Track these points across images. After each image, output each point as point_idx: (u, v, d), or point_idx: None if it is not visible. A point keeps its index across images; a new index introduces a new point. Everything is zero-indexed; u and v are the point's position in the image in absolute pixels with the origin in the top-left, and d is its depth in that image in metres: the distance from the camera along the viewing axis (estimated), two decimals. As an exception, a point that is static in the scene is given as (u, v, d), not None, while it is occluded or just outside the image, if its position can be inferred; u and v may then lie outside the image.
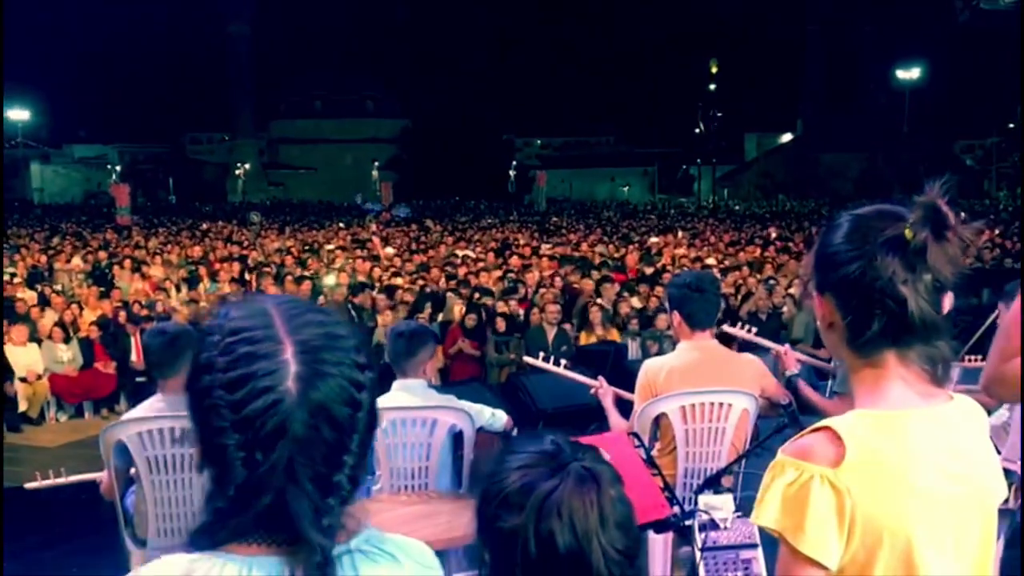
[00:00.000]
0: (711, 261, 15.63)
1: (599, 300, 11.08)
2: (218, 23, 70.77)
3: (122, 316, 11.47)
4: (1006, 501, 4.65)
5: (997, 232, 21.04)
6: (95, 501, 4.21)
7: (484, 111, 66.21)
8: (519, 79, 69.13)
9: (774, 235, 22.51)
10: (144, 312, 11.71)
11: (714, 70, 54.44)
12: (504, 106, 67.48)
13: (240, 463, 1.03)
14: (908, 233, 1.38)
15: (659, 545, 3.95)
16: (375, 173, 66.72)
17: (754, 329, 4.92)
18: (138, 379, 11.18)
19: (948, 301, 1.43)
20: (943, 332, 1.44)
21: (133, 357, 11.11)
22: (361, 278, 13.83)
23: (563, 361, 4.76)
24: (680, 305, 4.05)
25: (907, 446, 1.39)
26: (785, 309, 11.89)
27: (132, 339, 11.28)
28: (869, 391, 1.45)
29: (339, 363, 1.08)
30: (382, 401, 4.23)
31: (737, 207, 48.68)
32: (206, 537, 1.08)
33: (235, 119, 74.23)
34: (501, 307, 10.58)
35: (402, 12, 72.53)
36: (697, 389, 3.96)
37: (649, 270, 14.32)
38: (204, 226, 27.98)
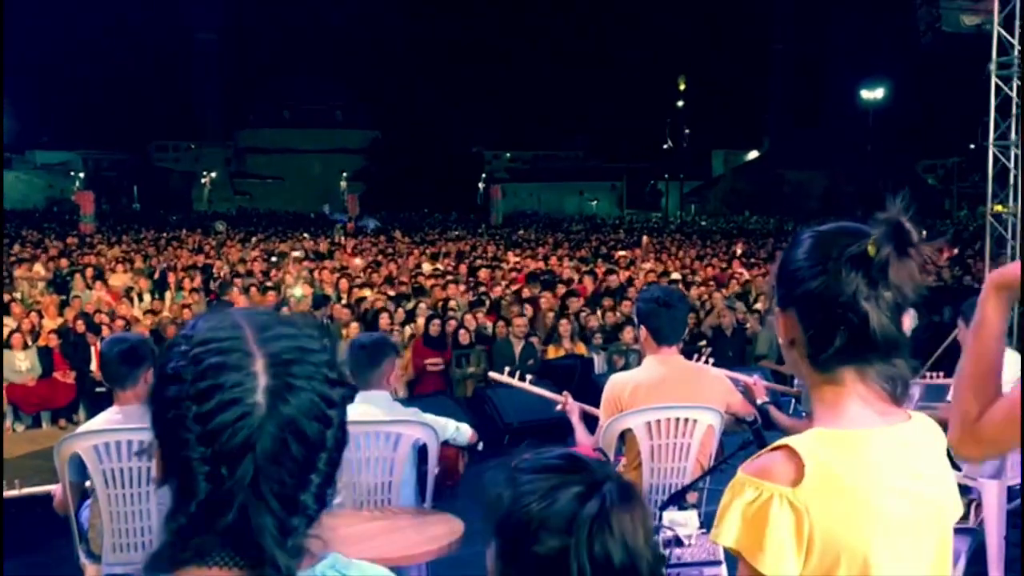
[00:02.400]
0: (676, 276, 15.71)
1: (569, 313, 11.08)
2: (185, 31, 70.33)
3: (80, 325, 11.30)
4: (965, 518, 4.71)
5: (957, 251, 21.39)
6: (50, 514, 4.12)
7: (454, 124, 66.28)
8: (489, 92, 69.31)
9: (740, 251, 22.69)
10: (105, 321, 11.54)
11: (682, 87, 54.97)
12: (474, 119, 67.59)
13: (203, 477, 1.00)
14: (871, 249, 1.39)
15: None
16: (343, 184, 66.46)
17: (711, 361, 4.89)
18: (98, 389, 11.01)
19: (908, 320, 1.44)
20: (902, 349, 1.45)
21: (93, 367, 10.95)
22: (328, 289, 13.73)
23: (528, 376, 4.74)
24: (647, 320, 4.04)
25: (865, 465, 1.40)
26: (749, 325, 11.98)
27: (92, 349, 11.11)
28: (828, 409, 1.45)
29: (310, 377, 1.06)
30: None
31: (704, 222, 49.09)
32: (164, 560, 1.04)
33: (202, 127, 73.69)
34: (468, 320, 10.55)
35: (372, 23, 72.48)
36: (663, 405, 3.96)
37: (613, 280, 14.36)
38: (168, 235, 27.67)
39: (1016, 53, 10.70)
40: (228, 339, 1.05)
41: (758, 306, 12.49)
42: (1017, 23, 10.66)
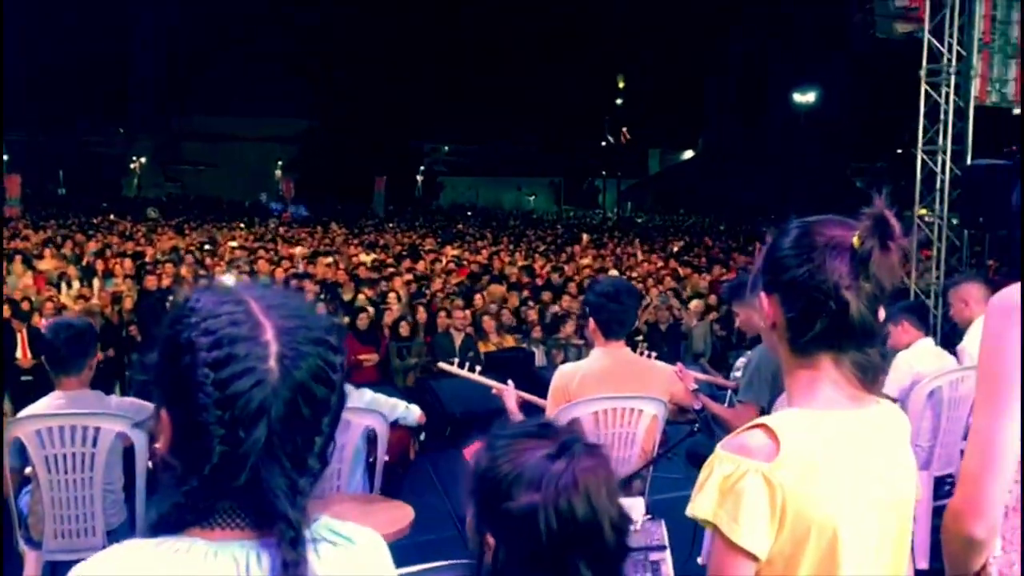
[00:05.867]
0: (614, 272, 15.86)
1: (490, 309, 11.08)
2: (119, 14, 68.45)
3: (7, 311, 10.96)
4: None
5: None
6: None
7: (391, 115, 65.70)
8: (428, 84, 68.93)
9: (676, 248, 23.00)
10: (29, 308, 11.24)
11: (621, 85, 55.42)
12: (412, 111, 67.10)
13: (219, 440, 1.05)
14: (856, 241, 1.47)
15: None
16: (278, 172, 65.44)
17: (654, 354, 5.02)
18: (23, 377, 10.70)
19: (881, 311, 1.52)
20: (877, 339, 1.52)
21: (19, 355, 10.64)
22: (263, 279, 13.54)
23: (478, 367, 4.79)
24: (596, 312, 4.12)
25: (837, 445, 1.47)
26: (684, 321, 12.19)
27: (18, 336, 10.79)
28: (803, 391, 1.53)
29: (316, 342, 1.12)
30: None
31: (640, 220, 49.62)
32: (171, 522, 1.09)
33: (133, 112, 71.78)
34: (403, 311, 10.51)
35: (310, 12, 71.48)
36: (609, 395, 4.04)
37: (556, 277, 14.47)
38: (97, 220, 26.95)
39: (945, 61, 11.06)
40: (236, 311, 1.11)
41: (694, 304, 12.70)
42: (946, 32, 11.02)
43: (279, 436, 1.07)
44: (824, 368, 1.52)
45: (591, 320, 4.18)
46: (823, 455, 1.45)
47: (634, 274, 15.49)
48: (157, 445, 1.14)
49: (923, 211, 11.66)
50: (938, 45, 11.10)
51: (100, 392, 3.78)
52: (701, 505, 1.45)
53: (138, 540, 1.10)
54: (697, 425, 3.58)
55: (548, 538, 1.39)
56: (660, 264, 17.65)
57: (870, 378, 1.53)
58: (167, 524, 1.09)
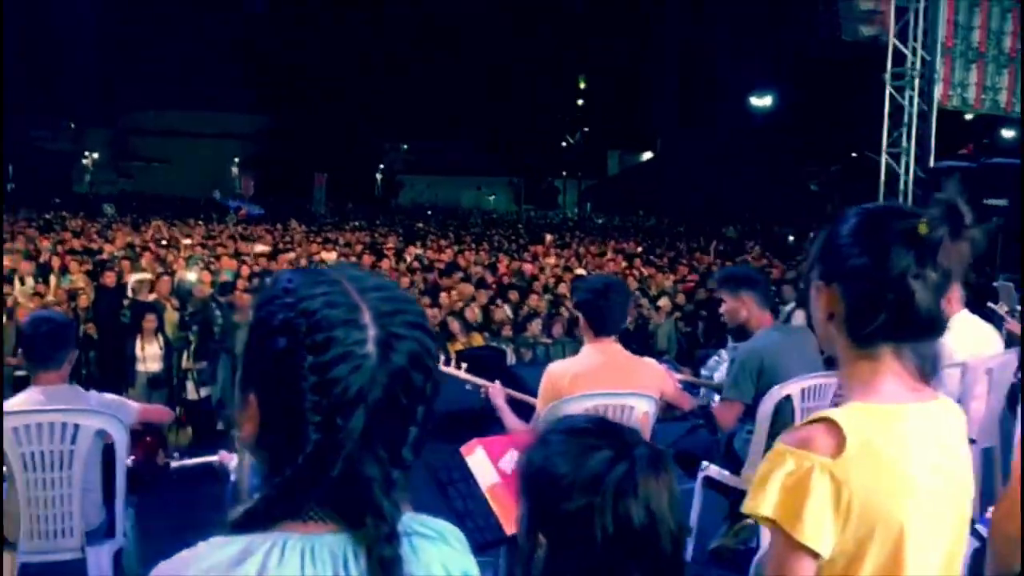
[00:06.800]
0: (580, 271, 15.88)
1: (455, 309, 11.01)
2: (70, 3, 67.03)
3: (-42, 308, 10.66)
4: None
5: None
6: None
7: (349, 111, 65.27)
8: (387, 83, 68.56)
9: (640, 249, 23.11)
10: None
11: (582, 85, 55.62)
12: (370, 108, 66.72)
13: (314, 428, 1.00)
14: (923, 228, 1.42)
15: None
16: (234, 169, 64.61)
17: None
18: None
19: (945, 301, 1.48)
20: (940, 330, 1.48)
21: (-26, 352, 10.36)
22: (225, 277, 13.33)
23: (463, 364, 4.73)
24: (587, 310, 4.10)
25: (901, 439, 1.43)
26: (652, 320, 12.24)
27: (-28, 333, 10.50)
28: (864, 384, 1.48)
29: (412, 326, 1.06)
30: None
31: (600, 220, 49.87)
32: (259, 517, 1.02)
33: (82, 106, 70.29)
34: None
35: (263, 5, 70.73)
36: (601, 392, 4.00)
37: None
38: (49, 216, 26.38)
39: (909, 64, 11.25)
40: (332, 291, 1.05)
41: (661, 303, 12.76)
42: (910, 35, 11.20)
43: (376, 425, 1.02)
44: (885, 360, 1.48)
45: (581, 317, 4.16)
46: (888, 451, 1.41)
47: (601, 273, 15.51)
48: (242, 433, 1.07)
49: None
50: (903, 48, 11.27)
51: (79, 387, 3.64)
52: (762, 502, 1.39)
53: (225, 537, 1.02)
54: (701, 422, 3.55)
55: (603, 542, 1.35)
56: (624, 264, 17.71)
57: (929, 370, 1.50)
58: (256, 519, 1.02)
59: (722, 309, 4.61)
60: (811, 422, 1.44)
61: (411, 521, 1.11)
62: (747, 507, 1.42)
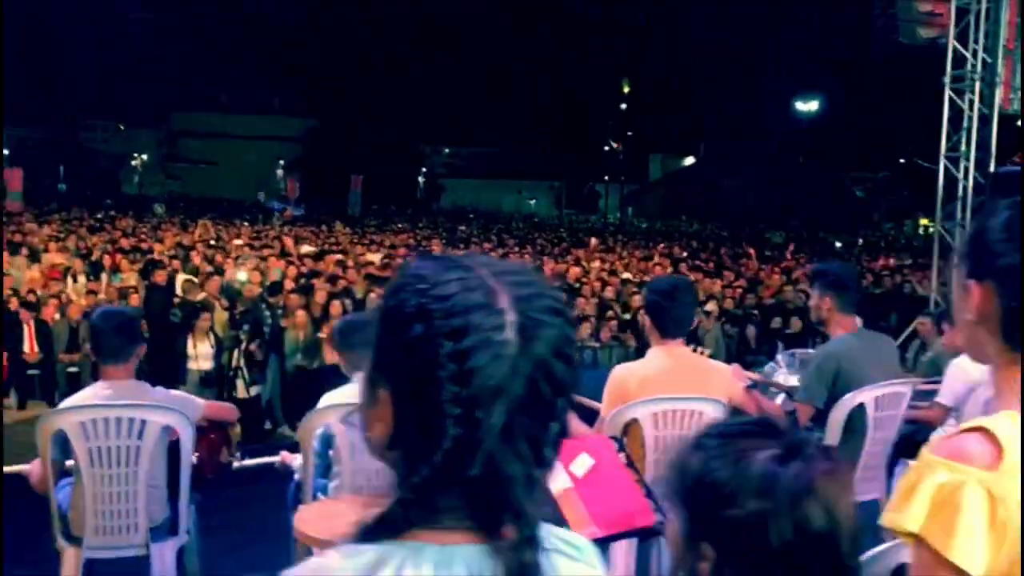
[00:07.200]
0: (627, 275, 15.77)
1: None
2: (120, 8, 68.24)
3: (14, 304, 10.87)
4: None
5: (893, 260, 22.02)
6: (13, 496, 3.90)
7: (392, 116, 65.66)
8: (430, 86, 68.88)
9: (684, 254, 22.93)
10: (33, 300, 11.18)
11: (626, 90, 55.41)
12: (413, 113, 67.07)
13: (453, 422, 0.91)
14: None
15: (620, 553, 3.88)
16: (279, 172, 65.31)
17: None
18: (29, 371, 10.57)
19: None
20: None
21: (25, 348, 10.54)
22: (274, 277, 13.41)
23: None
24: (653, 312, 4.02)
25: None
26: (701, 324, 12.10)
27: (26, 329, 10.68)
28: (1019, 392, 1.35)
29: (552, 312, 0.97)
30: (337, 397, 4.03)
31: (643, 225, 49.64)
32: (394, 523, 0.94)
33: (132, 108, 71.52)
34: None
35: (312, 10, 71.43)
36: (671, 396, 3.92)
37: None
38: (101, 216, 26.82)
39: (969, 67, 10.98)
40: (467, 276, 0.97)
41: (708, 307, 12.62)
42: (971, 38, 10.94)
43: (517, 419, 0.93)
44: None
45: (647, 319, 4.09)
46: None
47: (647, 278, 15.39)
48: (371, 433, 0.98)
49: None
50: (963, 51, 11.01)
51: (146, 383, 3.63)
52: (908, 517, 1.28)
53: (355, 546, 0.94)
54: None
55: (780, 550, 1.26)
56: (671, 269, 17.55)
57: None
58: (390, 525, 0.94)
59: (810, 303, 4.61)
60: (965, 431, 1.33)
61: (550, 534, 1.03)
62: (888, 520, 1.31)
